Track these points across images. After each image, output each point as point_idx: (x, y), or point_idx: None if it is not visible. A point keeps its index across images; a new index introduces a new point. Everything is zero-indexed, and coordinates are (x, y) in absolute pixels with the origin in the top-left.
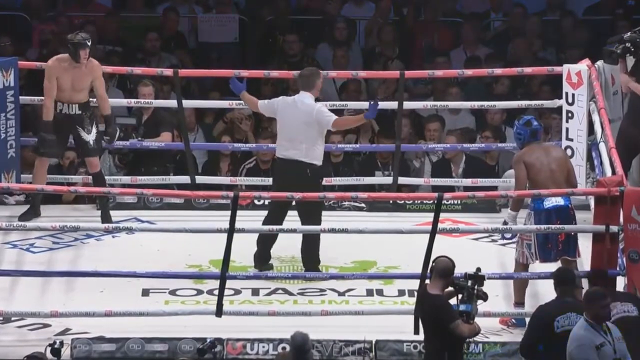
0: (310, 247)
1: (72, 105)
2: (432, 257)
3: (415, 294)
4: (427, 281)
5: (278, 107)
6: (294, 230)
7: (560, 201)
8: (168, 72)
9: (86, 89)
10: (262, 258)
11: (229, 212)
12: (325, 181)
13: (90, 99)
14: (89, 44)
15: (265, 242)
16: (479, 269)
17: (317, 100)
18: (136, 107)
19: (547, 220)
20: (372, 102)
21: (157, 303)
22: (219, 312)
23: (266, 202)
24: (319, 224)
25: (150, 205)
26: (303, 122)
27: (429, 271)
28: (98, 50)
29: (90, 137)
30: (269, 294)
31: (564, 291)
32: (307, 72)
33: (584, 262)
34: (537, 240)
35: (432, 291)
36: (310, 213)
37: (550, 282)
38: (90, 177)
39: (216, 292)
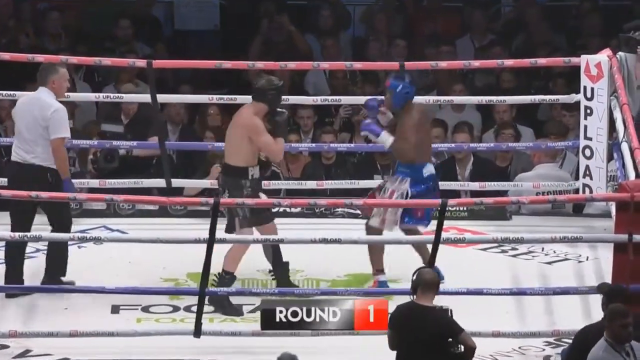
0: (54, 252)
1: None
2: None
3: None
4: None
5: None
6: (281, 241)
7: (432, 170)
8: (141, 63)
9: None
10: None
11: (209, 220)
12: (317, 185)
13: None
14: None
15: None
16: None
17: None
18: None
19: (428, 188)
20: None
21: (128, 321)
22: (198, 332)
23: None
24: (69, 224)
25: (121, 212)
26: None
27: (411, 286)
28: (63, 40)
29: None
30: (253, 311)
31: None
32: (42, 66)
33: (605, 275)
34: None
35: (428, 304)
36: (60, 215)
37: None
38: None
39: (194, 309)
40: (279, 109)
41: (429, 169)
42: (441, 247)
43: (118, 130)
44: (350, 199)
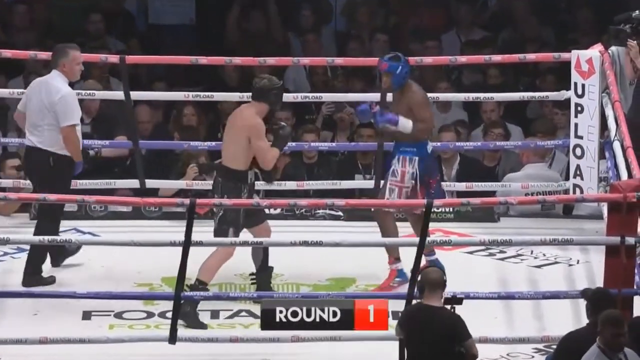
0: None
1: None
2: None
3: (404, 315)
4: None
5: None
6: (259, 243)
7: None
8: (114, 58)
9: None
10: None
11: (184, 222)
12: (297, 185)
13: None
14: None
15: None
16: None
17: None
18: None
19: (433, 164)
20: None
21: (101, 328)
22: (173, 338)
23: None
24: (55, 222)
25: (93, 214)
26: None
27: (416, 287)
28: (30, 33)
29: None
30: (230, 317)
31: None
32: (54, 48)
33: (596, 279)
34: (418, 186)
35: (436, 304)
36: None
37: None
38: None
39: (169, 315)
40: (282, 123)
41: (430, 145)
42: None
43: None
44: (332, 199)
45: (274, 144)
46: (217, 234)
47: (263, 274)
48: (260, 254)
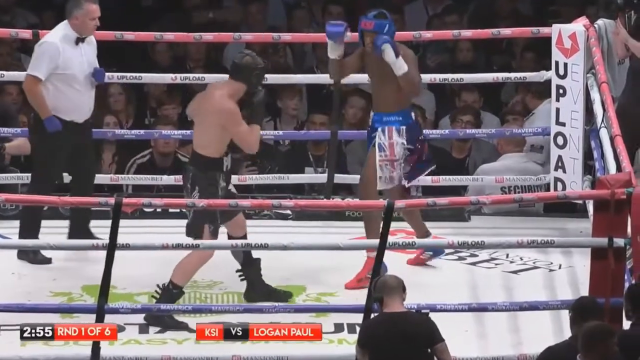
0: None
1: None
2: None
3: (360, 327)
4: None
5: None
6: (196, 247)
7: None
8: (25, 33)
9: None
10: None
11: (109, 223)
12: (239, 180)
13: None
14: None
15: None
16: None
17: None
18: None
19: (418, 131)
20: None
21: (11, 344)
22: (95, 356)
23: (159, 210)
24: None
25: (4, 213)
26: None
27: (373, 300)
28: None
29: None
30: (162, 331)
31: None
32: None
33: (581, 286)
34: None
35: (401, 310)
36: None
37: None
38: None
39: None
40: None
41: (413, 113)
42: (387, 253)
43: None
44: (279, 200)
45: (252, 119)
46: (190, 230)
47: (250, 268)
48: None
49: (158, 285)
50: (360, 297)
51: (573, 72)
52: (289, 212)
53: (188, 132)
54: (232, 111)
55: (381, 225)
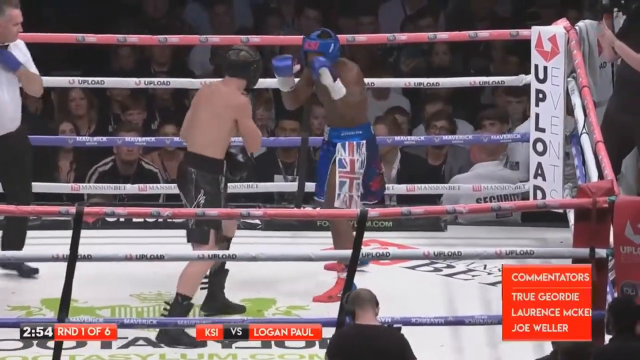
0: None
1: None
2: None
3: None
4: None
5: None
6: (161, 258)
7: None
8: None
9: None
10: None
11: (69, 233)
12: None
13: None
14: None
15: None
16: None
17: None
18: None
19: (376, 146)
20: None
21: None
22: None
23: (122, 219)
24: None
25: None
26: None
27: (345, 313)
28: None
29: None
30: (125, 346)
31: (625, 329)
32: None
33: None
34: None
35: (373, 322)
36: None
37: None
38: None
39: (51, 344)
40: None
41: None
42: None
43: None
44: (248, 209)
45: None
46: (194, 235)
47: (216, 277)
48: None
49: (166, 302)
50: (332, 310)
51: (553, 75)
52: (257, 221)
53: (152, 139)
54: (246, 104)
55: (351, 239)
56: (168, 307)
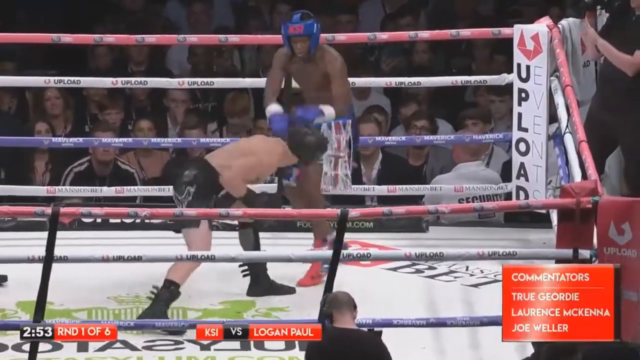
0: None
1: None
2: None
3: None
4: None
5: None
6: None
7: None
8: None
9: None
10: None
11: (45, 234)
12: None
13: None
14: None
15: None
16: None
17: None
18: None
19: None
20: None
21: None
22: None
23: (99, 220)
24: None
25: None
26: None
27: (323, 316)
28: None
29: None
30: (102, 349)
31: None
32: None
33: None
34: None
35: (351, 326)
36: None
37: None
38: None
39: (26, 347)
40: None
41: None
42: (341, 266)
43: None
44: (227, 209)
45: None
46: (181, 223)
47: (257, 263)
48: (251, 239)
49: (154, 287)
50: (313, 312)
51: (536, 74)
52: (236, 222)
53: (130, 140)
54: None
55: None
56: (155, 291)
